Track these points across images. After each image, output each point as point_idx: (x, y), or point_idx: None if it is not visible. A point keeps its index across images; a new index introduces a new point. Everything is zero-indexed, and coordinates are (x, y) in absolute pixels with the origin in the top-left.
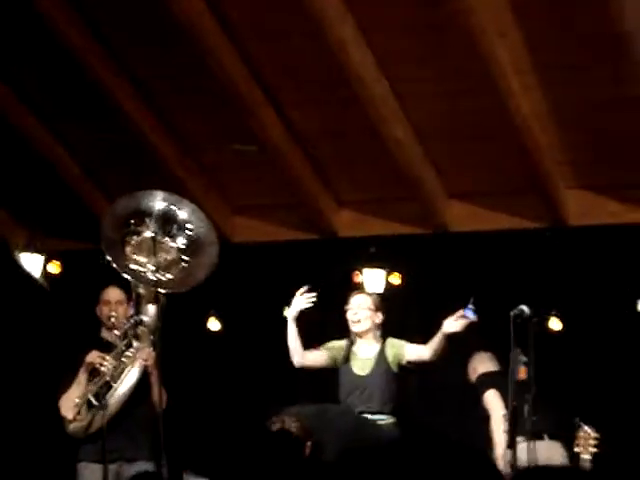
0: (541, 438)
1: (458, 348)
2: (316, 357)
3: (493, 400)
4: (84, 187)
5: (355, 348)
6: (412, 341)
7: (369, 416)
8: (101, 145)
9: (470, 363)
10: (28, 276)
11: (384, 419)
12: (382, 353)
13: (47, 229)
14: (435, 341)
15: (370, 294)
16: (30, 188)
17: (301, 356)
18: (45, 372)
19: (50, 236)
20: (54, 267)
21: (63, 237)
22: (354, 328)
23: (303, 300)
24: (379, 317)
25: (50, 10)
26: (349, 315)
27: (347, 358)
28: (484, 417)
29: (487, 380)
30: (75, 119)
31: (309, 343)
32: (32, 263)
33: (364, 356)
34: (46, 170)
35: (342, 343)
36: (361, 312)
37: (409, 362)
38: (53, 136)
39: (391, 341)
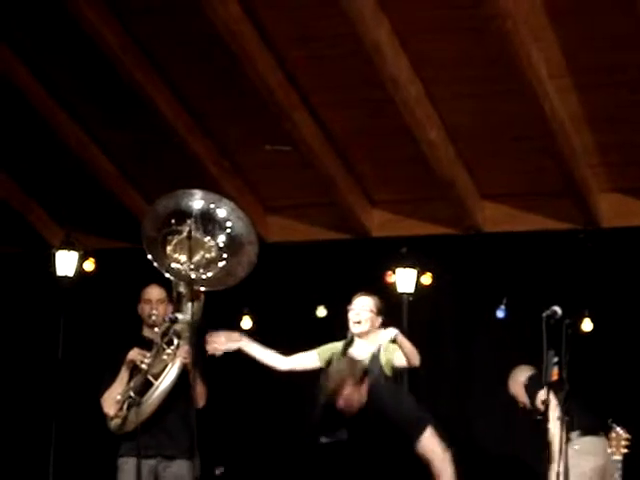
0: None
1: (492, 349)
2: (302, 360)
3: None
4: (120, 186)
5: (351, 349)
6: (442, 342)
7: None
8: (137, 146)
9: (511, 377)
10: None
11: None
12: (376, 356)
13: (83, 227)
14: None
15: (373, 297)
16: (67, 187)
17: (281, 362)
18: (86, 369)
19: (86, 234)
20: (89, 265)
21: (99, 235)
22: (354, 329)
23: (217, 339)
24: (379, 321)
25: (89, 16)
26: (351, 315)
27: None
28: (536, 421)
29: (536, 381)
30: (112, 121)
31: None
32: (67, 260)
33: (358, 357)
34: (83, 170)
35: (337, 344)
36: (363, 313)
37: (394, 367)
38: (90, 137)
39: (387, 345)
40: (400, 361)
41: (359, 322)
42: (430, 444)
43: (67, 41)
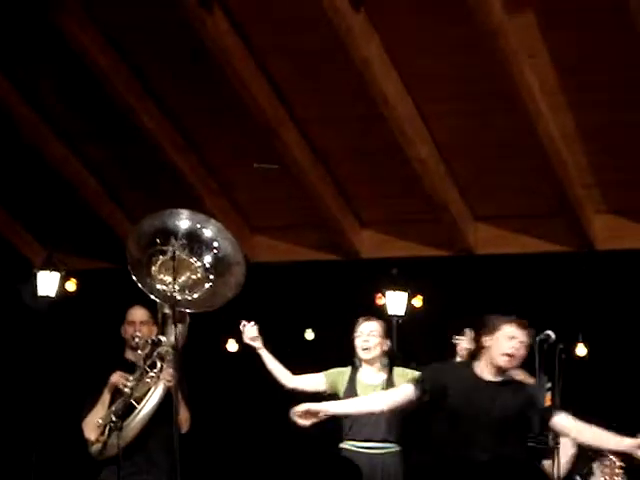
0: None
1: None
2: (308, 380)
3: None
4: (104, 206)
5: (359, 375)
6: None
7: (374, 444)
8: (122, 165)
9: None
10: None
11: (389, 447)
12: (390, 380)
13: (66, 247)
14: None
15: (378, 320)
16: (50, 207)
17: (288, 379)
18: (67, 390)
19: (69, 254)
20: (71, 285)
21: (82, 255)
22: (364, 355)
23: (250, 329)
24: (387, 344)
25: (75, 32)
26: (358, 342)
27: (351, 385)
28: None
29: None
30: (97, 139)
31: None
32: (49, 281)
33: (370, 382)
34: (67, 189)
35: (344, 369)
36: (372, 339)
37: None
38: (75, 155)
39: (400, 370)
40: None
41: (368, 348)
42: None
43: (53, 58)
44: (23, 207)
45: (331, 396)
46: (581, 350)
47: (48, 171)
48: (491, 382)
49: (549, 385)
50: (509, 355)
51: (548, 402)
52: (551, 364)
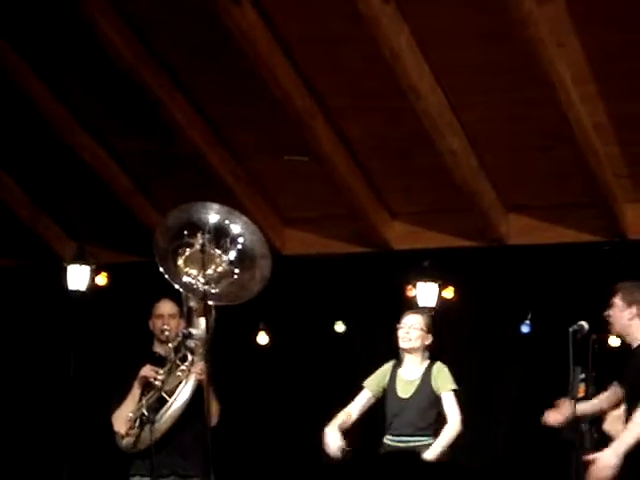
0: None
1: (517, 364)
2: (361, 407)
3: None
4: (134, 199)
5: (400, 370)
6: (465, 358)
7: (409, 438)
8: (152, 157)
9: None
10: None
11: (423, 440)
12: (427, 375)
13: (96, 241)
14: None
15: (423, 314)
16: (79, 200)
17: (349, 420)
18: (97, 384)
19: (99, 247)
20: (102, 279)
21: (112, 249)
22: (403, 345)
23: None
24: (429, 339)
25: (104, 26)
26: (400, 333)
27: (392, 381)
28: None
29: None
30: (126, 131)
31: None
32: (79, 275)
33: (408, 378)
34: (96, 182)
35: (385, 368)
36: (413, 332)
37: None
38: (103, 148)
39: (440, 367)
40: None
41: (409, 340)
42: None
43: (81, 52)
44: (53, 201)
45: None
46: (614, 341)
47: (77, 165)
48: None
49: (583, 376)
50: None
51: (582, 393)
52: (584, 355)
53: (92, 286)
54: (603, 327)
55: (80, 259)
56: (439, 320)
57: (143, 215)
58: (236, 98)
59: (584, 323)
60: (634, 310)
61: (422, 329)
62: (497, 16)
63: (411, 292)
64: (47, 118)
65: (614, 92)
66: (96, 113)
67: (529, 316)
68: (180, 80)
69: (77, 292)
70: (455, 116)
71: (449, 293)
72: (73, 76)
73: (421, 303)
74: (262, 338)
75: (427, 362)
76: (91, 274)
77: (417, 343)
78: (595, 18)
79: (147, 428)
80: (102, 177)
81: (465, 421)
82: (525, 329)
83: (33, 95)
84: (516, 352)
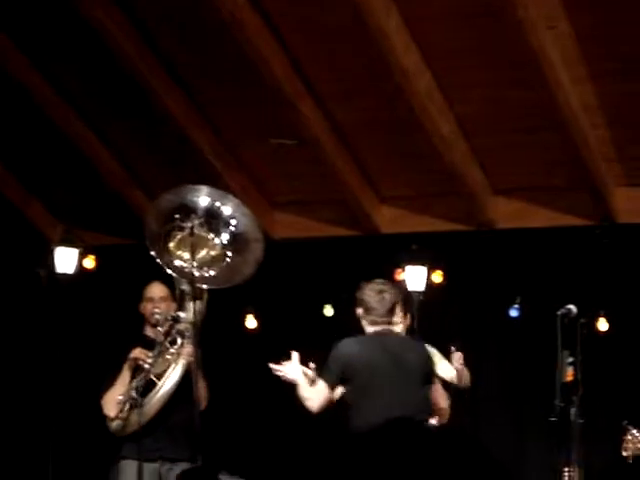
0: None
1: (505, 348)
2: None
3: None
4: (122, 182)
5: None
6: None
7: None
8: (140, 140)
9: None
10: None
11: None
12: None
13: (83, 223)
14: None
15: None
16: (67, 182)
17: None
18: (85, 367)
19: (86, 230)
20: (90, 261)
21: (99, 232)
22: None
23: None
24: (407, 320)
25: (96, 11)
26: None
27: None
28: None
29: None
30: (115, 115)
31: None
32: (67, 257)
33: None
34: (84, 164)
35: None
36: (396, 328)
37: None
38: (92, 131)
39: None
40: (445, 373)
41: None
42: None
43: (73, 38)
44: (40, 183)
45: None
46: (603, 325)
47: (66, 148)
48: None
49: (571, 360)
50: None
51: (570, 377)
52: (573, 339)
53: (80, 269)
54: (591, 311)
55: (68, 242)
56: (428, 303)
57: (131, 198)
58: (225, 82)
59: (572, 307)
60: None
61: (403, 317)
62: None
63: (400, 276)
64: (36, 102)
65: (604, 75)
66: (86, 97)
67: (518, 300)
68: (170, 64)
69: (65, 275)
70: (444, 99)
71: (438, 277)
72: (64, 61)
73: (410, 287)
74: (251, 322)
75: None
76: (79, 257)
77: (399, 328)
78: (585, 0)
79: (136, 411)
80: (90, 160)
81: (453, 405)
82: (514, 313)
83: (24, 80)
84: (504, 336)
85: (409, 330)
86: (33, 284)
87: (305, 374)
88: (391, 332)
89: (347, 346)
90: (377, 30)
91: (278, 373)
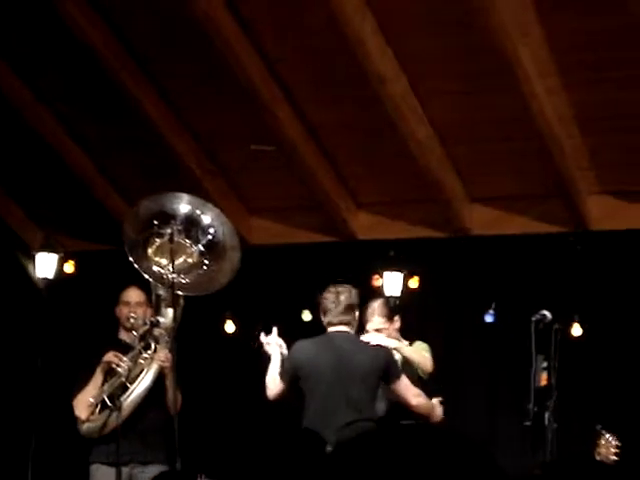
0: None
1: (481, 353)
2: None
3: None
4: (101, 188)
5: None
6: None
7: None
8: (119, 146)
9: None
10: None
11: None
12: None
13: (63, 229)
14: None
15: (377, 309)
16: (47, 188)
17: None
18: (63, 371)
19: (66, 236)
20: (69, 267)
21: (79, 237)
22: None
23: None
24: (397, 322)
25: (72, 11)
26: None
27: None
28: None
29: None
30: (94, 120)
31: None
32: (47, 262)
33: None
34: (64, 171)
35: None
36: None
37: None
38: (71, 137)
39: (421, 345)
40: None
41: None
42: None
43: (48, 37)
44: (21, 189)
45: None
46: (576, 330)
47: (46, 154)
48: None
49: (545, 365)
50: None
51: (544, 382)
52: (547, 344)
53: (60, 274)
54: (565, 316)
55: (48, 247)
56: (404, 309)
57: (111, 204)
58: (204, 88)
59: (547, 312)
60: None
61: (386, 322)
62: (461, 4)
63: (377, 281)
64: (15, 107)
65: (578, 84)
66: (65, 103)
67: (493, 306)
68: (147, 67)
69: (45, 280)
70: (420, 105)
71: (414, 283)
72: (40, 62)
73: (387, 292)
74: (229, 326)
75: (405, 343)
76: (59, 262)
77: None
78: (558, 8)
79: (108, 414)
80: (70, 166)
81: None
82: (489, 318)
83: (3, 85)
84: (480, 341)
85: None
86: (13, 289)
87: (281, 352)
88: (345, 333)
89: (299, 348)
90: (353, 35)
91: (263, 342)
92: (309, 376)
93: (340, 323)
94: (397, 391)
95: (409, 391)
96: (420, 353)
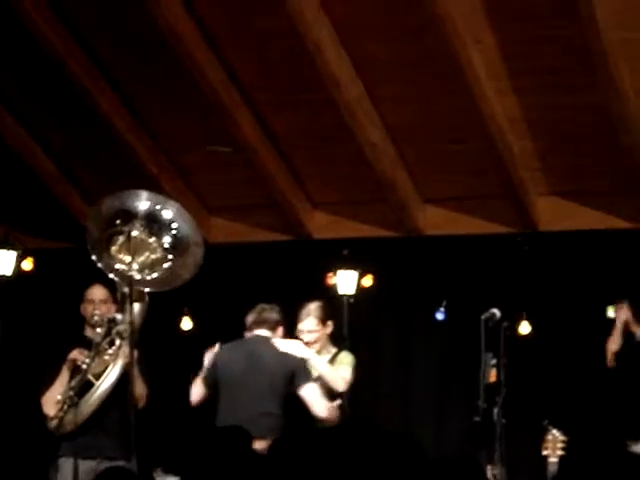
0: None
1: (432, 350)
2: None
3: None
4: (60, 186)
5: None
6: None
7: None
8: (78, 145)
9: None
10: None
11: None
12: (331, 362)
13: (22, 226)
14: None
15: (313, 310)
16: (6, 185)
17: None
18: (23, 368)
19: (25, 233)
20: (28, 264)
21: (38, 235)
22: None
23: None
24: (329, 327)
25: (30, 13)
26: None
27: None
28: None
29: None
30: (53, 119)
31: None
32: (5, 260)
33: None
34: (22, 168)
35: None
36: (308, 335)
37: None
38: (30, 135)
39: (346, 358)
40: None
41: (308, 343)
42: None
43: (10, 40)
44: None
45: None
46: (525, 328)
47: (4, 151)
48: None
49: (494, 362)
50: None
51: (493, 378)
52: (496, 341)
53: (18, 271)
54: (514, 315)
55: (6, 244)
56: (358, 307)
57: (69, 202)
58: (163, 90)
59: (496, 311)
60: None
61: (317, 328)
62: (415, 11)
63: (331, 279)
64: None
65: (528, 88)
66: (24, 102)
67: (444, 304)
68: (107, 69)
69: (3, 277)
70: (375, 109)
71: (368, 281)
72: (3, 67)
73: (341, 291)
74: (186, 324)
75: (332, 350)
76: (17, 259)
77: (318, 344)
78: (510, 15)
79: (73, 410)
80: (29, 165)
81: (381, 405)
82: (440, 316)
83: None
84: (431, 338)
85: (334, 337)
86: None
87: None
88: (256, 336)
89: (218, 352)
90: (310, 41)
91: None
92: (220, 379)
93: (256, 328)
94: (303, 398)
95: (314, 401)
96: (337, 369)
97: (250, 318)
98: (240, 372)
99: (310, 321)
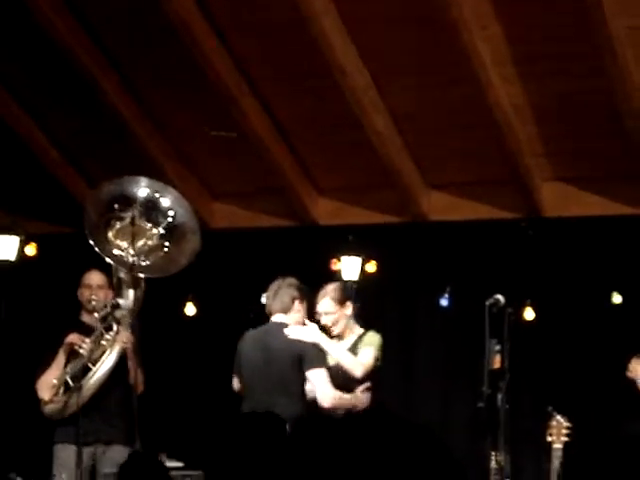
0: None
1: (436, 336)
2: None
3: None
4: (63, 171)
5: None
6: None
7: None
8: (82, 130)
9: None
10: None
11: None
12: (356, 344)
13: (25, 212)
14: None
15: (330, 292)
16: (10, 171)
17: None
18: (24, 354)
19: (28, 219)
20: (31, 249)
21: (41, 220)
22: (332, 334)
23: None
24: (348, 308)
25: (40, 3)
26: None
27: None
28: None
29: None
30: (58, 105)
31: None
32: (8, 245)
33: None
34: (26, 153)
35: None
36: (325, 317)
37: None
38: (34, 121)
39: (373, 337)
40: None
41: (330, 326)
42: None
43: (16, 28)
44: None
45: None
46: (529, 314)
47: (7, 136)
48: None
49: (498, 348)
50: None
51: (497, 364)
52: (500, 327)
53: (21, 256)
54: (518, 301)
55: (9, 230)
56: (362, 293)
57: (73, 187)
58: (169, 78)
59: (500, 297)
60: None
61: (334, 309)
62: None
63: (335, 265)
64: None
65: (533, 74)
66: (29, 89)
67: (448, 290)
68: (113, 57)
69: (6, 262)
70: (380, 95)
71: (372, 267)
72: (7, 50)
73: (345, 276)
74: (190, 309)
75: (358, 330)
76: (20, 245)
77: (341, 325)
78: (515, 1)
79: (71, 395)
80: (32, 150)
81: (385, 391)
82: (444, 302)
83: None
84: (435, 324)
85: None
86: None
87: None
88: (270, 325)
89: (242, 340)
90: (316, 29)
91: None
92: (242, 366)
93: (273, 313)
94: (312, 381)
95: (321, 388)
96: (360, 351)
97: (265, 301)
98: (254, 364)
99: (327, 302)
